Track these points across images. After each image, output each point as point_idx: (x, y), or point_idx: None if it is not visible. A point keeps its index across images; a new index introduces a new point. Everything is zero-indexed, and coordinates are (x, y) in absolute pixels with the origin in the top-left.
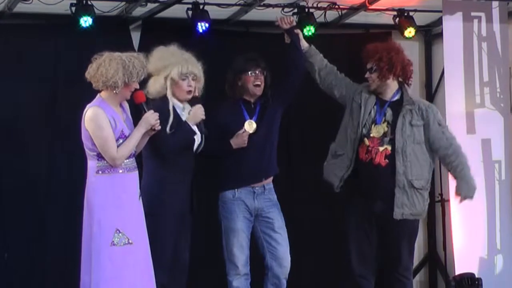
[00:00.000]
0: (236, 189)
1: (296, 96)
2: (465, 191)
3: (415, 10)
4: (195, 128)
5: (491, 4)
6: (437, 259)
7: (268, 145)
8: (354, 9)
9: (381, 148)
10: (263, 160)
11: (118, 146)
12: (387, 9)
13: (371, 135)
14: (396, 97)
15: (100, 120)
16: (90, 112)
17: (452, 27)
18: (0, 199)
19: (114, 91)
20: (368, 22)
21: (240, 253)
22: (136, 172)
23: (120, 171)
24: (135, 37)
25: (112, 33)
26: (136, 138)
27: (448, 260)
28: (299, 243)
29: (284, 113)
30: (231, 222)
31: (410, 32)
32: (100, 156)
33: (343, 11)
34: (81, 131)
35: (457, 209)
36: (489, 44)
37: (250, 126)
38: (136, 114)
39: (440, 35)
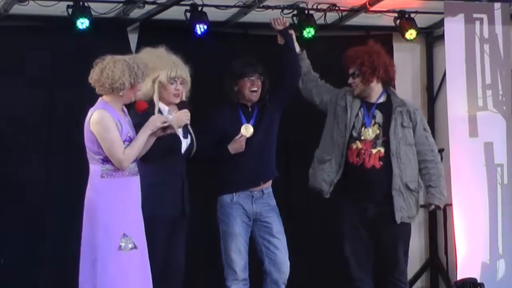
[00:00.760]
0: (234, 193)
1: (295, 99)
2: (437, 200)
3: (416, 12)
4: (180, 132)
5: (493, 6)
6: (439, 264)
7: (266, 148)
8: (354, 11)
9: (374, 151)
10: (261, 164)
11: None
12: (388, 11)
13: (363, 137)
14: (382, 99)
15: (106, 123)
16: (96, 115)
17: (454, 29)
18: None
19: (120, 94)
20: (369, 24)
21: (238, 258)
22: (138, 177)
23: (125, 174)
24: (133, 39)
25: (109, 35)
26: (142, 140)
27: (449, 265)
28: (298, 247)
29: (283, 117)
30: (229, 226)
31: (411, 34)
32: (104, 160)
33: (344, 13)
34: (84, 135)
35: (459, 214)
36: (491, 46)
37: (246, 130)
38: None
39: (441, 37)
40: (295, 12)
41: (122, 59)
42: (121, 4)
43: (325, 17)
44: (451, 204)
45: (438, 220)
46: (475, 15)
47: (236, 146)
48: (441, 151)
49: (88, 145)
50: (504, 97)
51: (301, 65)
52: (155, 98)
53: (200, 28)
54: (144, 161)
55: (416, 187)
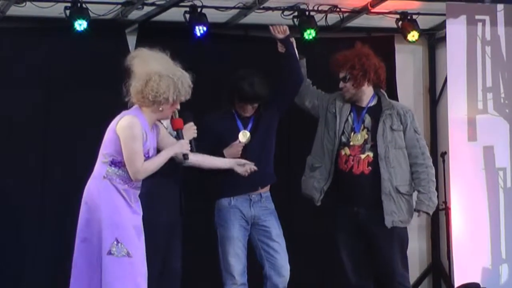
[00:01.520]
0: (232, 197)
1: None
2: (426, 207)
3: (419, 13)
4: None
5: (496, 7)
6: (441, 268)
7: (264, 153)
8: (356, 12)
9: (362, 156)
10: (259, 169)
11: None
12: (389, 12)
13: (351, 143)
14: (373, 103)
15: (135, 131)
16: (127, 120)
17: (456, 31)
18: None
19: (160, 108)
20: (371, 25)
21: (236, 262)
22: (139, 191)
23: (127, 185)
24: (131, 41)
25: (107, 37)
26: (165, 158)
27: (452, 269)
28: (297, 252)
29: (284, 121)
30: (226, 230)
31: (413, 35)
32: (113, 163)
33: (345, 14)
34: (106, 134)
35: (457, 217)
36: (493, 48)
37: (244, 136)
38: None
39: (444, 38)
40: (296, 13)
41: (166, 74)
42: (119, 6)
43: (326, 18)
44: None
45: (440, 224)
46: (477, 17)
47: (232, 151)
48: (443, 154)
49: (107, 144)
50: (507, 100)
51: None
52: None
53: (199, 30)
54: None
55: (408, 190)
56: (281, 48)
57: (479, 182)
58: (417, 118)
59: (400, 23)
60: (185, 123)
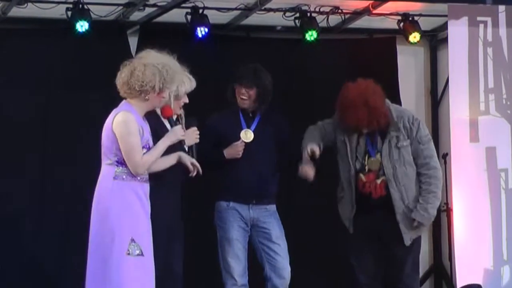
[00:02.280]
0: (230, 201)
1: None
2: (420, 217)
3: (420, 15)
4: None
5: (498, 9)
6: (443, 269)
7: (266, 157)
8: (357, 14)
9: (378, 181)
10: (259, 178)
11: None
12: (391, 14)
13: (367, 168)
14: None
15: (130, 126)
16: (121, 117)
17: (457, 32)
18: None
19: (146, 97)
20: (372, 27)
21: (235, 264)
22: (148, 184)
23: (137, 179)
24: (133, 42)
25: (109, 38)
26: (161, 149)
27: (453, 271)
28: (299, 254)
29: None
30: (225, 231)
31: (415, 37)
32: (119, 162)
33: (346, 16)
34: (103, 134)
35: (459, 219)
36: (495, 49)
37: (246, 135)
38: None
39: (446, 40)
40: (297, 14)
41: (151, 63)
42: (121, 7)
43: (327, 20)
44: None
45: (442, 226)
46: (479, 18)
47: (232, 151)
48: (444, 155)
49: (107, 144)
50: (509, 101)
51: None
52: (159, 110)
53: (201, 31)
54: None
55: None
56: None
57: (481, 183)
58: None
59: (401, 24)
60: (188, 127)
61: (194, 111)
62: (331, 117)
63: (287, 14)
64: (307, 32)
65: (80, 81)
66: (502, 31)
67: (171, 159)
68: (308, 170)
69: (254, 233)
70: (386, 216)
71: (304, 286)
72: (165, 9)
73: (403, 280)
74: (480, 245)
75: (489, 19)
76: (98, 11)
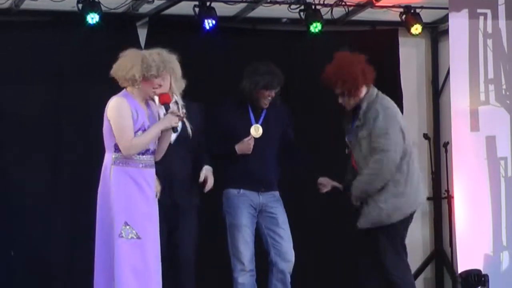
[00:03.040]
0: (241, 188)
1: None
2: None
3: (422, 7)
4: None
5: (497, 1)
6: (444, 255)
7: (269, 149)
8: (360, 6)
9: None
10: (264, 167)
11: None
12: (393, 6)
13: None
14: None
15: (121, 109)
16: (113, 101)
17: (458, 24)
18: (5, 196)
19: (136, 86)
20: (375, 19)
21: (245, 249)
22: (153, 170)
23: (139, 166)
24: (142, 34)
25: (118, 30)
26: (154, 133)
27: (454, 256)
28: (304, 239)
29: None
30: (235, 218)
31: (416, 29)
32: (116, 148)
33: (350, 8)
34: (103, 123)
35: (461, 206)
36: (495, 41)
37: (256, 131)
38: None
39: (446, 32)
40: (302, 7)
41: (139, 51)
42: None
43: (331, 12)
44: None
45: (443, 212)
46: (479, 10)
47: (243, 147)
48: (445, 144)
49: (104, 131)
50: (508, 91)
51: None
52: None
53: (208, 23)
54: None
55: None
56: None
57: (482, 172)
58: (420, 109)
59: (403, 16)
60: (191, 114)
61: (201, 101)
62: (334, 107)
63: (292, 6)
64: (311, 24)
65: (91, 72)
66: (502, 23)
67: (156, 129)
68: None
69: (261, 218)
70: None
71: (307, 270)
72: (173, 2)
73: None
74: (481, 232)
75: (489, 11)
76: (108, 4)
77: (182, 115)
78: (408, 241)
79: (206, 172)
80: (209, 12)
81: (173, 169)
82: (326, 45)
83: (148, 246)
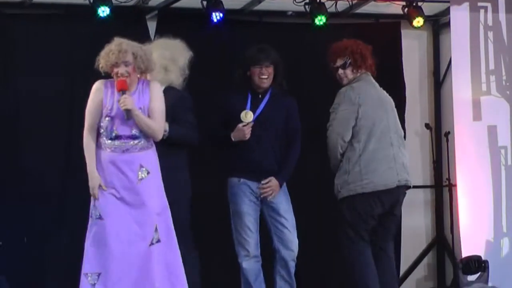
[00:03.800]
0: (241, 177)
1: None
2: None
3: (424, 0)
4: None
5: None
6: (445, 242)
7: (270, 137)
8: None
9: None
10: (265, 157)
11: (103, 124)
12: None
13: None
14: None
15: (92, 93)
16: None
17: (459, 17)
18: (20, 183)
19: (112, 74)
20: (378, 12)
21: (248, 236)
22: (130, 155)
23: (107, 150)
24: (151, 26)
25: (129, 23)
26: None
27: (455, 243)
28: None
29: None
30: (237, 206)
31: (418, 21)
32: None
33: (354, 1)
34: None
35: (463, 194)
36: (495, 33)
37: (246, 116)
38: None
39: (447, 24)
40: (307, 0)
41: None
42: None
43: (336, 5)
44: (455, 185)
45: (444, 200)
46: (479, 4)
47: (238, 134)
48: (447, 134)
49: None
50: (508, 82)
51: None
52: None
53: (216, 16)
54: None
55: None
56: None
57: (483, 160)
58: (422, 99)
59: (406, 9)
60: (182, 104)
61: (209, 92)
62: (330, 109)
63: (297, 0)
64: (316, 17)
65: None
66: (502, 16)
67: None
68: None
69: (264, 207)
70: None
71: (312, 259)
72: None
73: None
74: (482, 219)
75: (489, 5)
76: None
77: (121, 101)
78: (410, 228)
79: None
80: (217, 5)
81: None
82: (330, 38)
83: (111, 228)
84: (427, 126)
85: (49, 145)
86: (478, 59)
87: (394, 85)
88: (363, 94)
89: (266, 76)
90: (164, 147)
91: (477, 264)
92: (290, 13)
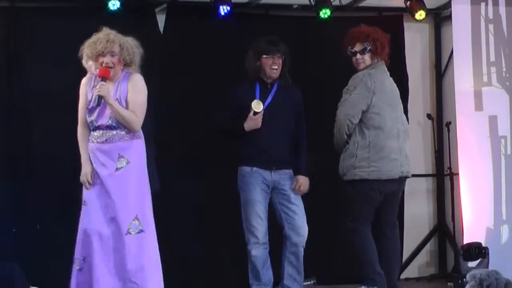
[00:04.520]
0: (254, 166)
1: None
2: None
3: None
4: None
5: None
6: (446, 229)
7: (280, 127)
8: None
9: None
10: (274, 145)
11: (88, 117)
12: None
13: None
14: None
15: (80, 89)
16: None
17: (461, 10)
18: (33, 170)
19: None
20: (381, 5)
21: (258, 224)
22: (109, 145)
23: (93, 141)
24: (161, 19)
25: (138, 16)
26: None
27: (456, 230)
28: (316, 214)
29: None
30: (248, 194)
31: (420, 14)
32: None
33: None
34: None
35: (465, 182)
36: (496, 26)
37: (257, 105)
38: None
39: (449, 17)
40: None
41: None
42: None
43: None
44: (457, 174)
45: (445, 189)
46: None
47: (250, 124)
48: (448, 124)
49: None
50: (508, 74)
51: None
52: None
53: (223, 9)
54: None
55: None
56: None
57: (485, 149)
58: (424, 90)
59: (408, 3)
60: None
61: (217, 85)
62: (343, 89)
63: None
64: (321, 10)
65: None
66: (502, 9)
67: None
68: None
69: (274, 195)
70: None
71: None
72: None
73: None
74: (483, 206)
75: None
76: None
77: (97, 87)
78: (413, 215)
79: None
80: None
81: None
82: (334, 31)
83: (90, 213)
84: (429, 116)
85: (60, 136)
86: (479, 51)
87: (397, 77)
88: (378, 82)
89: (277, 67)
90: None
91: (477, 251)
92: (295, 6)
